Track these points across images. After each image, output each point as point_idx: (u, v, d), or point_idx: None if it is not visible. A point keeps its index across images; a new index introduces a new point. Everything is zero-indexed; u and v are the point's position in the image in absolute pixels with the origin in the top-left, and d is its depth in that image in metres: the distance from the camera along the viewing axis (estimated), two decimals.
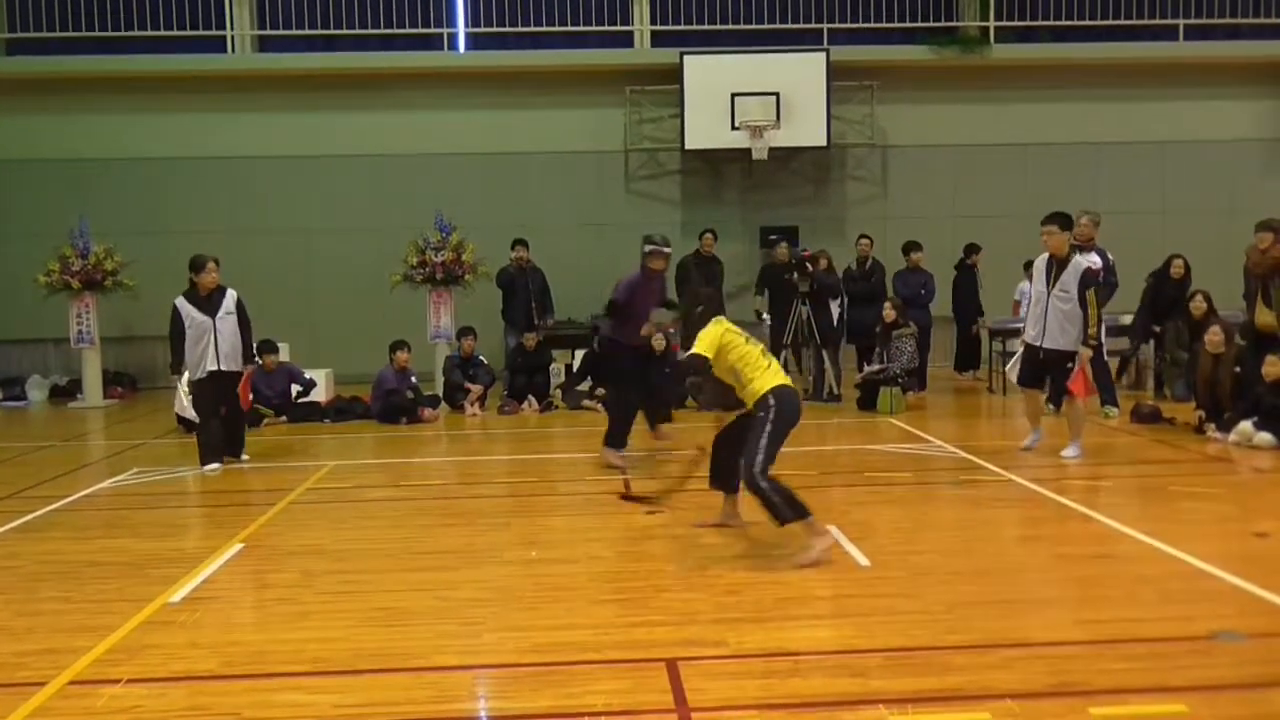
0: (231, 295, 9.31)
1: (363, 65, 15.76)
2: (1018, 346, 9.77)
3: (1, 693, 4.09)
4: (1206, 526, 6.47)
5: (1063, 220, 8.63)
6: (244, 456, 9.47)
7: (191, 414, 9.89)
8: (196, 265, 9.25)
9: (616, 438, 8.84)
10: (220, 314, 9.14)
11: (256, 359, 10.14)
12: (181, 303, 9.20)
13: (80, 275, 13.70)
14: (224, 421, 9.27)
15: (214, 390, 9.11)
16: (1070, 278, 8.50)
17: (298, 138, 15.73)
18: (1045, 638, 4.48)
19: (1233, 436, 9.04)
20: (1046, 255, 8.71)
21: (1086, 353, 8.55)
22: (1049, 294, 8.59)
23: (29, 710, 3.91)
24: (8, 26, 15.95)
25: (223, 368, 9.09)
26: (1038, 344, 8.72)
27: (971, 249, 14.44)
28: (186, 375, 9.41)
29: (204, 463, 9.00)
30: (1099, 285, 8.85)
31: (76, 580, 5.74)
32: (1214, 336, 9.72)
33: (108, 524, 7.13)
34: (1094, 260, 10.88)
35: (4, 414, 13.76)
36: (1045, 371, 8.90)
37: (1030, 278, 9.14)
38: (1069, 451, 8.67)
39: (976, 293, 14.32)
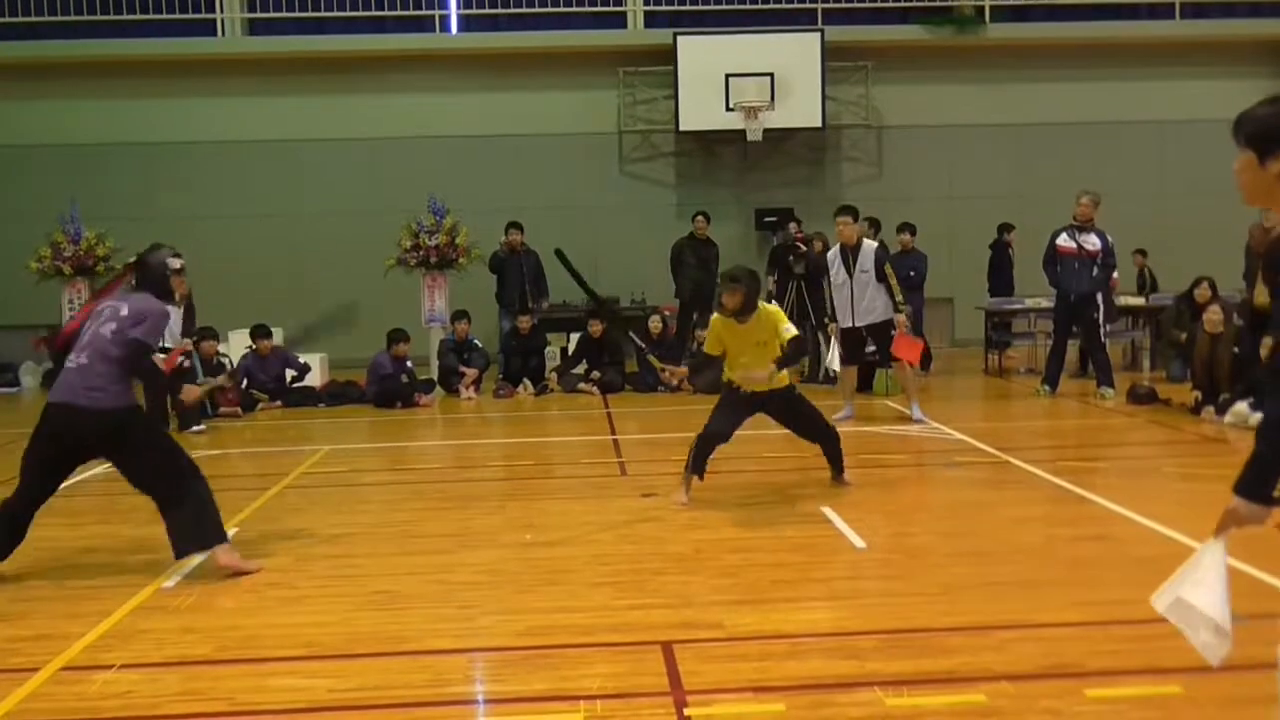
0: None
1: (354, 48, 15.67)
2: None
3: None
4: (1202, 507, 6.42)
5: (855, 213, 9.82)
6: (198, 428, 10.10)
7: None
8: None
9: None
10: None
11: (189, 339, 10.59)
12: None
13: (72, 261, 13.63)
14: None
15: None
16: (866, 260, 9.56)
17: (289, 121, 15.65)
18: (1041, 619, 4.47)
19: (1229, 417, 9.04)
20: (839, 246, 9.72)
21: (902, 318, 9.57)
22: (852, 279, 9.60)
23: (22, 696, 3.90)
24: None
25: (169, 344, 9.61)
26: (852, 324, 9.71)
27: (1005, 227, 14.37)
28: None
29: (181, 427, 9.81)
30: (890, 258, 9.88)
31: (69, 566, 5.72)
32: (1213, 316, 9.70)
33: (101, 509, 7.10)
34: (1093, 242, 10.86)
35: None
36: (864, 348, 9.95)
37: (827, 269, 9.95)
38: (918, 415, 9.56)
39: (1010, 271, 14.27)
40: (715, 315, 6.70)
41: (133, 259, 5.42)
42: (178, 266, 5.48)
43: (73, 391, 5.07)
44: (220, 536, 5.31)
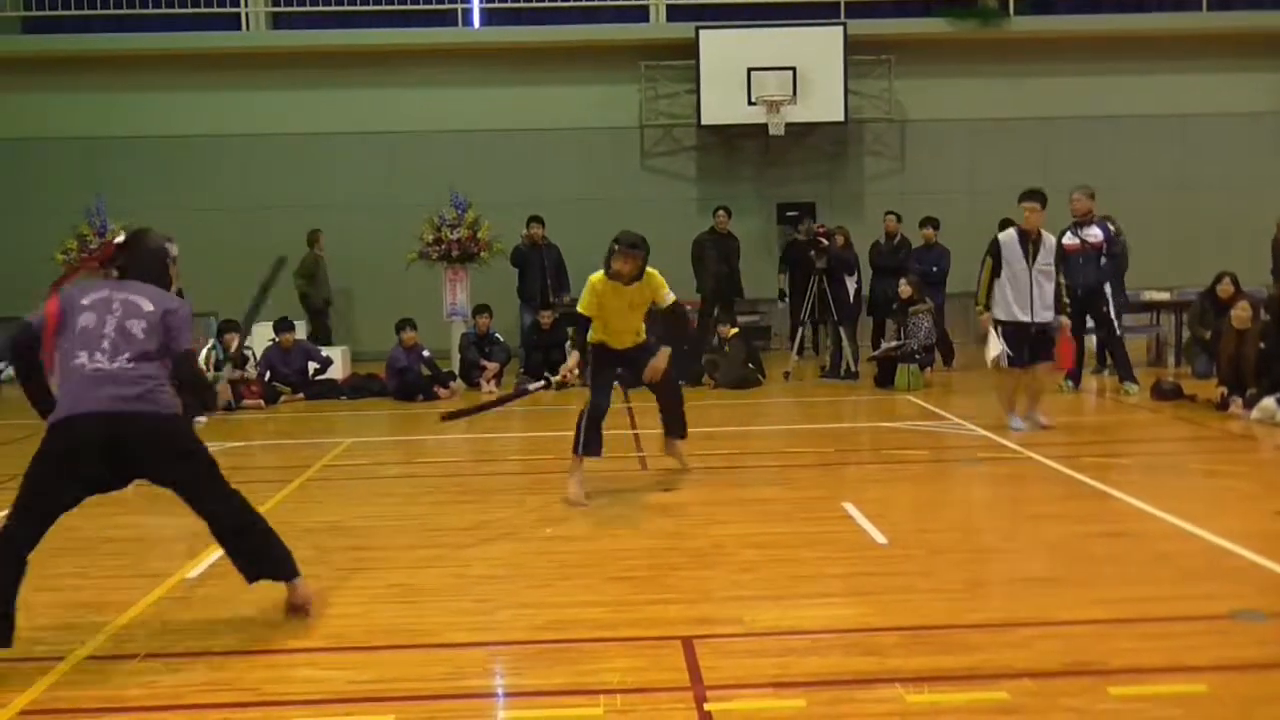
0: None
1: (377, 42, 15.72)
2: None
3: (20, 667, 4.11)
4: (1227, 504, 6.41)
5: (1043, 198, 8.73)
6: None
7: None
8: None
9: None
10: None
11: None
12: None
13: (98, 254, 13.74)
14: None
15: None
16: (1048, 253, 8.62)
17: (312, 115, 15.71)
18: (1063, 616, 4.44)
19: (1256, 413, 8.95)
20: (1015, 231, 8.70)
21: (1066, 322, 8.84)
22: (1030, 270, 8.57)
23: (47, 685, 3.93)
24: (24, 4, 15.97)
25: None
26: (1027, 319, 8.58)
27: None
28: None
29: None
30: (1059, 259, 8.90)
31: (93, 556, 5.76)
32: (1241, 312, 9.60)
33: (124, 499, 7.11)
34: (1094, 234, 10.80)
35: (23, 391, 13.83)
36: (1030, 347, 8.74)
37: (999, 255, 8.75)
38: (1017, 424, 8.66)
39: None
40: (598, 276, 6.66)
41: (115, 240, 4.57)
42: (175, 254, 4.77)
43: (115, 398, 4.16)
44: (296, 568, 4.64)
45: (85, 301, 4.28)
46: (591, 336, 6.87)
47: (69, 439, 4.17)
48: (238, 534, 4.48)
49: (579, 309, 6.82)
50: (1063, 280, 8.79)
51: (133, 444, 4.23)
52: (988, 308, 8.71)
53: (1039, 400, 8.84)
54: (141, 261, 4.50)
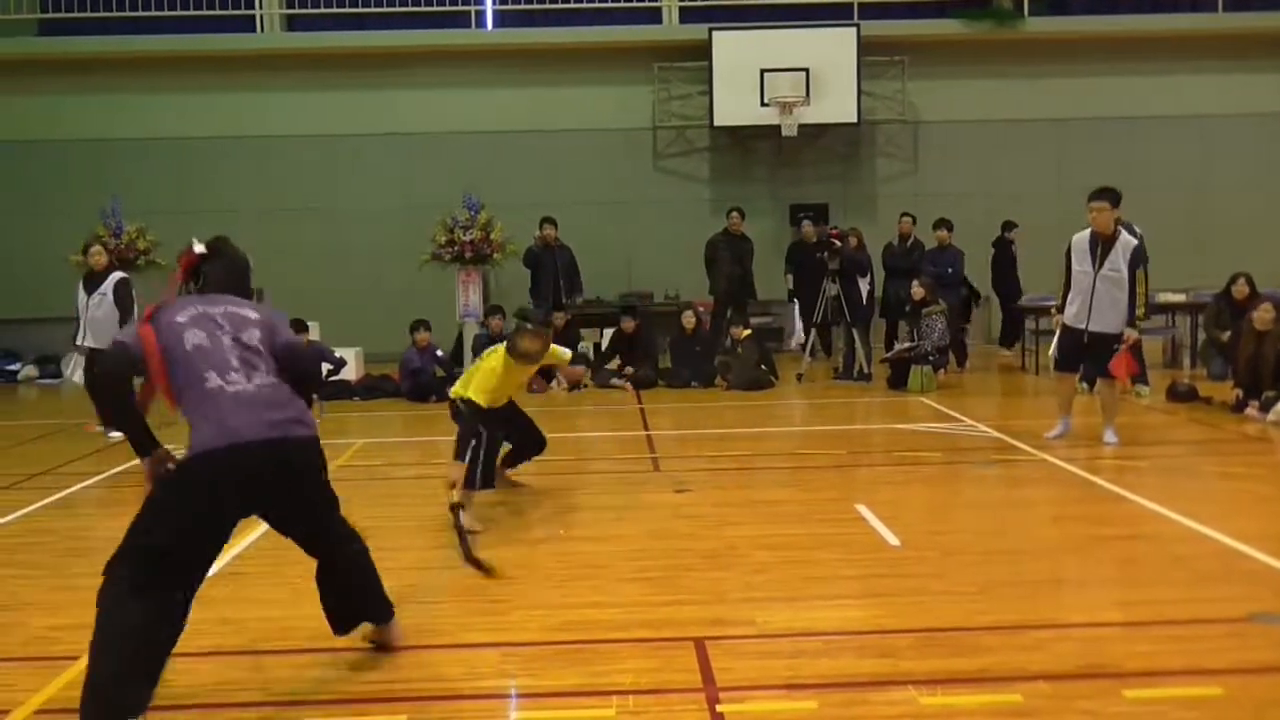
0: (114, 277, 9.75)
1: (391, 43, 15.75)
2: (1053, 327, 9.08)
3: (35, 667, 4.14)
4: (1243, 506, 6.38)
5: (1114, 197, 8.05)
6: (113, 434, 9.44)
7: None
8: (84, 247, 10.12)
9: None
10: (95, 294, 9.64)
11: None
12: (81, 282, 9.81)
13: (114, 254, 13.77)
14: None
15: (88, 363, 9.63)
16: (1119, 256, 7.99)
17: (326, 116, 15.75)
18: (1078, 619, 4.43)
19: (1272, 416, 8.91)
20: (1088, 232, 8.13)
21: (1133, 334, 8.10)
22: (1095, 274, 8.04)
23: (62, 684, 3.95)
24: (39, 7, 16.06)
25: (90, 344, 9.58)
26: (1082, 326, 8.17)
27: (1008, 225, 14.29)
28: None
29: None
30: (1147, 263, 8.23)
31: (108, 556, 5.78)
32: (1264, 314, 9.53)
33: (140, 501, 7.18)
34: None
35: (40, 391, 13.94)
36: (1087, 354, 8.39)
37: (1070, 255, 8.35)
38: (1111, 438, 8.25)
39: (1014, 269, 14.16)
40: (498, 357, 6.35)
41: (196, 249, 4.10)
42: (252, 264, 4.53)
43: (275, 423, 3.70)
44: (392, 604, 4.28)
45: (182, 319, 3.76)
46: (485, 402, 6.35)
47: (228, 471, 3.60)
48: (349, 571, 4.08)
49: (474, 398, 6.29)
50: (1142, 290, 8.01)
51: (294, 471, 3.82)
52: (1060, 310, 8.37)
53: (1110, 419, 8.35)
54: (229, 273, 4.12)
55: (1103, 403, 8.50)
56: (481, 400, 6.30)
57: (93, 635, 3.47)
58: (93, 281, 9.73)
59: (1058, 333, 8.47)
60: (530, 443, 7.06)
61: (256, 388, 3.72)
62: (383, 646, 4.22)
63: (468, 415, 6.33)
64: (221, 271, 4.07)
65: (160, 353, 3.68)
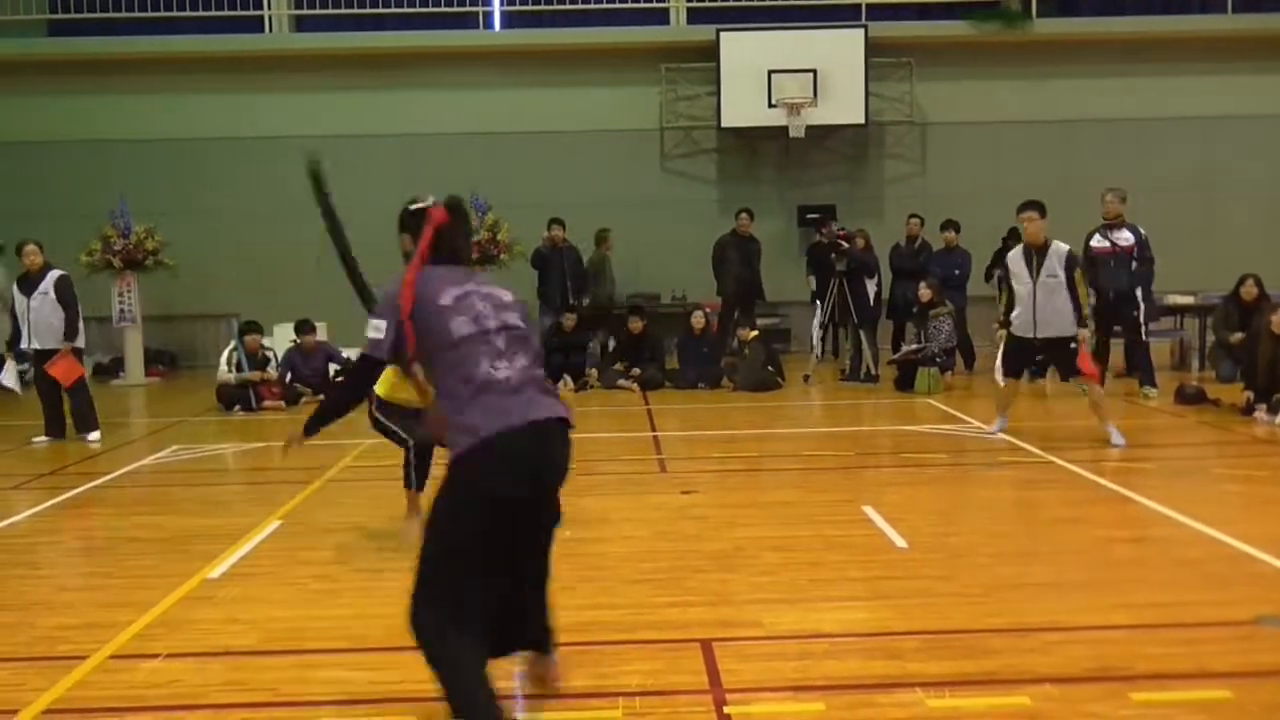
0: (52, 275, 9.62)
1: (398, 44, 15.77)
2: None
3: (44, 666, 4.15)
4: (1251, 509, 6.36)
5: (1041, 208, 8.50)
6: (89, 437, 9.53)
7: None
8: (18, 247, 9.83)
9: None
10: (35, 294, 9.50)
11: (76, 341, 9.63)
12: (16, 284, 9.70)
13: (122, 254, 13.85)
14: (46, 399, 9.60)
15: (36, 366, 9.60)
16: (1055, 263, 8.34)
17: (334, 117, 15.77)
18: (1085, 621, 4.42)
19: None
20: (1021, 246, 8.55)
21: (1085, 333, 8.40)
22: (1035, 283, 8.37)
23: (70, 683, 3.96)
24: (49, 7, 16.10)
25: (35, 345, 9.52)
26: (1031, 335, 8.47)
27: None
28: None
29: (45, 432, 9.54)
30: (1082, 266, 8.61)
31: (117, 555, 5.81)
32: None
33: (148, 500, 7.21)
34: (1126, 238, 10.74)
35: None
36: (1039, 360, 8.84)
37: (1008, 271, 8.69)
38: (1117, 439, 8.24)
39: None
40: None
41: (429, 204, 3.69)
42: None
43: (553, 418, 3.36)
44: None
45: (445, 302, 3.39)
46: (389, 394, 5.90)
47: (516, 467, 3.25)
48: (540, 590, 3.63)
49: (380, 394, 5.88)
50: (1086, 289, 8.46)
51: (562, 466, 3.46)
52: (1004, 324, 8.70)
53: (1105, 418, 8.44)
54: (465, 237, 3.68)
55: (1094, 406, 8.55)
56: (381, 391, 5.87)
57: (440, 666, 3.23)
58: (30, 282, 9.54)
59: (1003, 344, 8.78)
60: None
61: (526, 376, 3.35)
62: (540, 681, 3.77)
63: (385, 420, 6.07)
64: (461, 237, 3.65)
65: (420, 342, 3.36)
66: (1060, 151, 15.82)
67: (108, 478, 7.88)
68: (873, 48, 15.27)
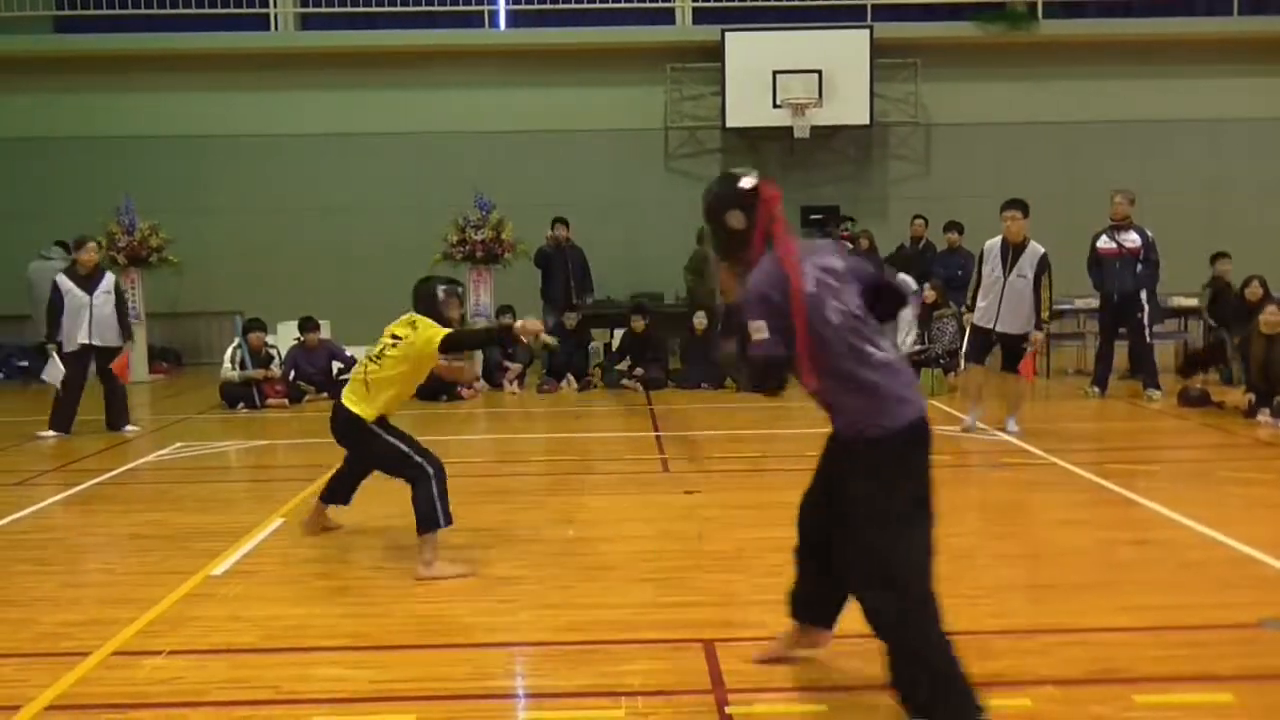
0: (110, 277, 9.83)
1: (403, 43, 15.78)
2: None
3: (47, 662, 4.16)
4: (1255, 511, 6.35)
5: (1024, 207, 8.75)
6: (128, 429, 9.80)
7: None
8: (78, 244, 9.86)
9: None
10: (98, 292, 9.61)
11: (130, 341, 10.21)
12: (62, 279, 9.66)
13: (126, 251, 13.86)
14: (105, 395, 9.81)
15: (85, 363, 9.68)
16: (1027, 264, 8.59)
17: (339, 115, 15.79)
18: (1088, 624, 4.41)
19: None
20: (1000, 239, 8.77)
21: (1039, 336, 8.73)
22: (1005, 278, 8.64)
23: (73, 680, 3.97)
24: (55, 4, 16.12)
25: (95, 342, 9.60)
26: (990, 326, 8.77)
27: None
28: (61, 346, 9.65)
29: (51, 427, 9.58)
30: (1051, 273, 8.75)
31: (120, 552, 5.82)
32: (1271, 317, 9.49)
33: (152, 497, 7.22)
34: (1133, 239, 10.76)
35: (53, 388, 13.97)
36: (994, 350, 9.02)
37: (982, 259, 9.00)
38: (1012, 427, 8.81)
39: None
40: (437, 330, 5.44)
41: (749, 183, 3.49)
42: None
43: (914, 394, 3.39)
44: None
45: (811, 289, 3.30)
46: (377, 411, 5.54)
47: (923, 446, 3.37)
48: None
49: (447, 330, 5.44)
50: (1049, 296, 8.67)
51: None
52: (970, 309, 9.00)
53: (1013, 409, 8.96)
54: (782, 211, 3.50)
55: (1008, 394, 9.05)
56: (385, 401, 5.56)
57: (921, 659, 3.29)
58: (91, 280, 9.63)
59: (968, 331, 9.08)
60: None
61: (895, 355, 3.36)
62: (809, 647, 4.01)
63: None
64: (784, 214, 3.50)
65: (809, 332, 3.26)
66: (1065, 153, 15.80)
67: (111, 474, 7.89)
68: (878, 48, 15.26)
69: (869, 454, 3.29)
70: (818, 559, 3.72)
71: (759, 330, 3.25)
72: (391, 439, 5.50)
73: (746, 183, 3.46)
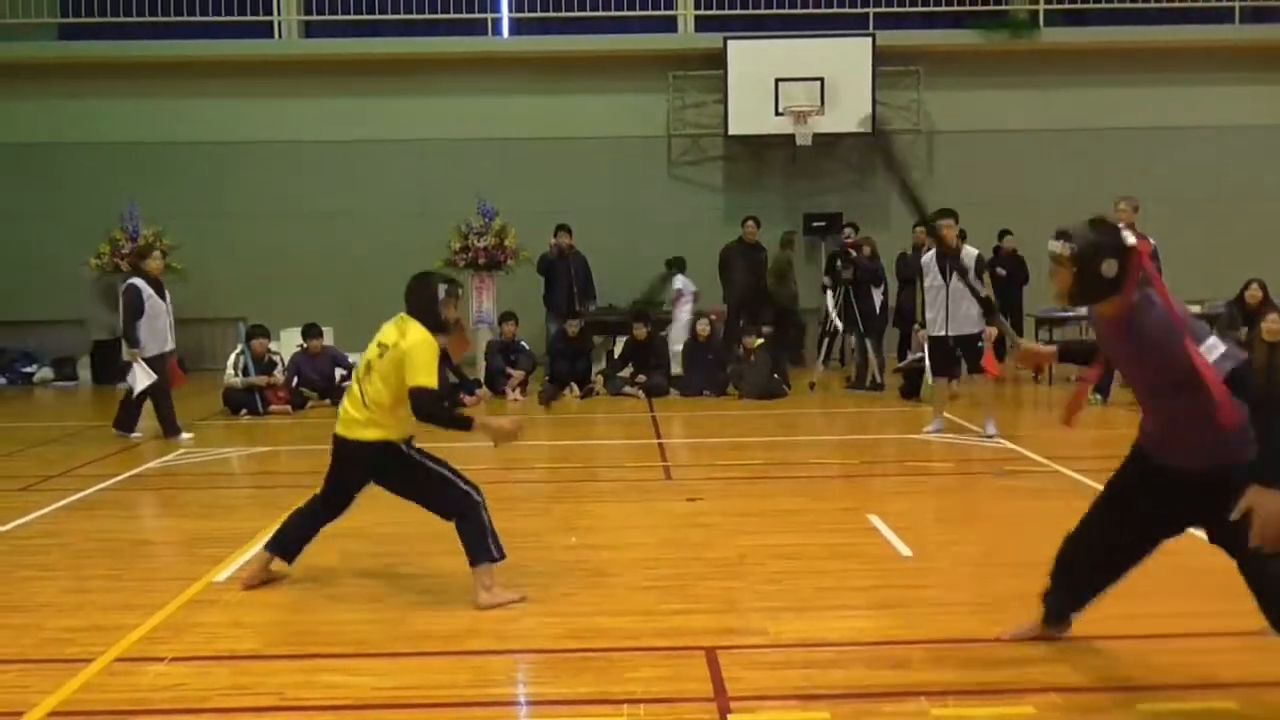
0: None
1: (407, 51, 15.80)
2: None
3: (50, 668, 4.16)
4: None
5: (955, 216, 9.18)
6: (183, 436, 9.79)
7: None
8: (142, 253, 10.16)
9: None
10: (167, 299, 9.82)
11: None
12: (141, 284, 9.71)
13: (129, 258, 13.88)
14: (157, 400, 9.83)
15: (169, 367, 9.79)
16: (964, 268, 8.81)
17: (343, 123, 15.80)
18: (1091, 631, 4.40)
19: None
20: (934, 251, 9.14)
21: (992, 331, 8.74)
22: (947, 286, 9.01)
23: (76, 686, 3.97)
24: (59, 11, 16.16)
25: (170, 348, 9.81)
26: (944, 333, 9.12)
27: (1004, 233, 14.34)
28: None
29: (175, 434, 9.67)
30: (988, 269, 9.28)
31: (124, 558, 5.82)
32: (1272, 325, 9.49)
33: (155, 503, 7.23)
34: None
35: (56, 393, 14.01)
36: (955, 359, 9.34)
37: (922, 274, 9.38)
38: (990, 429, 9.08)
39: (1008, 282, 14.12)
40: (427, 336, 5.18)
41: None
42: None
43: None
44: None
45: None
46: (402, 431, 5.06)
47: None
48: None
49: (429, 384, 4.88)
50: (984, 290, 9.05)
51: None
52: (923, 325, 9.37)
53: (990, 411, 9.34)
54: None
55: (981, 397, 9.61)
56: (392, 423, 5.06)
57: None
58: (160, 286, 9.82)
59: (927, 345, 9.47)
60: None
61: None
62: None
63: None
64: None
65: None
66: (1066, 161, 15.80)
67: (115, 480, 7.90)
68: (880, 56, 15.28)
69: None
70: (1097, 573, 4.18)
71: (1214, 347, 3.43)
72: (432, 464, 5.03)
73: (1128, 238, 3.77)
